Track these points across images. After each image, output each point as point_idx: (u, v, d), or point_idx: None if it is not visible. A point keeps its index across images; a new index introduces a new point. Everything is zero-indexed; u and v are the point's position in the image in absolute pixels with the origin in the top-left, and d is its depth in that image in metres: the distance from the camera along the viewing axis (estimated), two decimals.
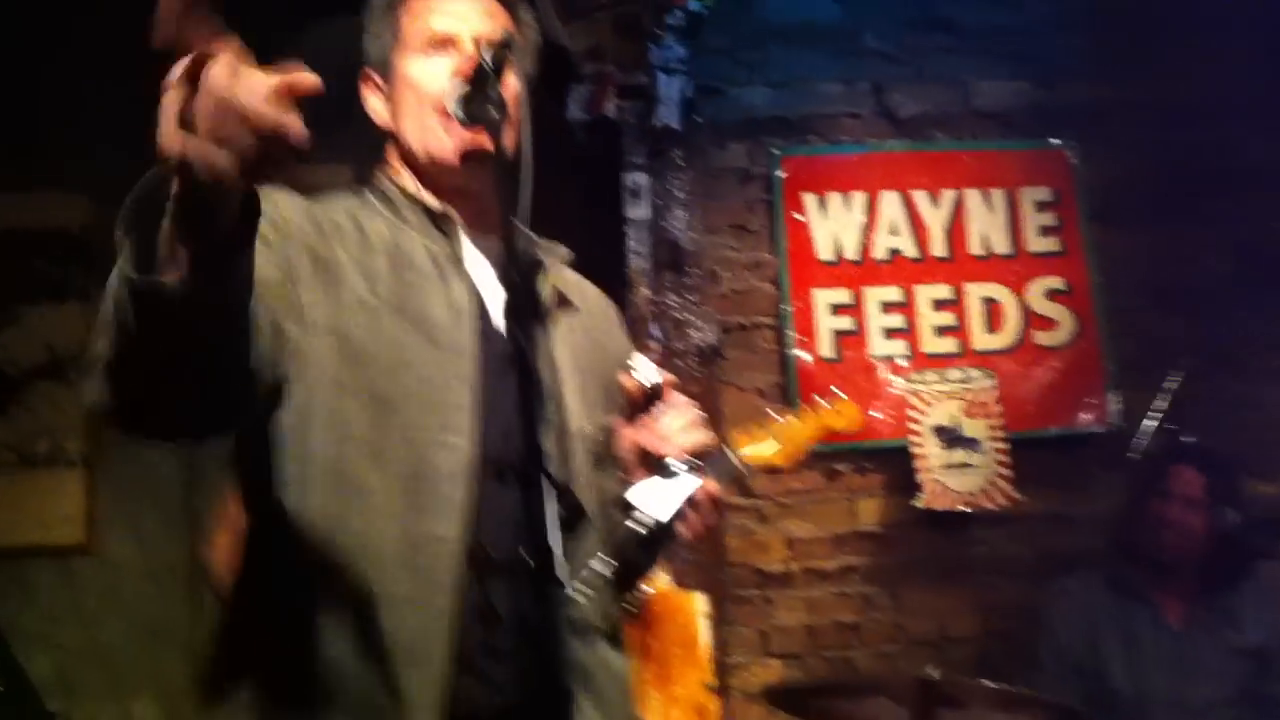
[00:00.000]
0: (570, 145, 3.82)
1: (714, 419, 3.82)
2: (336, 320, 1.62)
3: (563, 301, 1.84)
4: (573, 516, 1.65)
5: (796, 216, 4.24)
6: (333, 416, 1.60)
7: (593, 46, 3.89)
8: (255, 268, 1.34)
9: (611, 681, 1.71)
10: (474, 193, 1.77)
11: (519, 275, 1.68)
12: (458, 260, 1.74)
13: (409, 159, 1.81)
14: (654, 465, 1.70)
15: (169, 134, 1.15)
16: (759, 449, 2.93)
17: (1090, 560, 3.85)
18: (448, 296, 1.70)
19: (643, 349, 3.73)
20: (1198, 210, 4.52)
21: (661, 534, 1.65)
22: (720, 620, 3.70)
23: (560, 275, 1.87)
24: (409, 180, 1.82)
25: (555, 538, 1.46)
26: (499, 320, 1.72)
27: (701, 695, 3.56)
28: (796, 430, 3.03)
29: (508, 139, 1.65)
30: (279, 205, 1.63)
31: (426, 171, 1.79)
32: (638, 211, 3.84)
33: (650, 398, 1.71)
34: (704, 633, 3.59)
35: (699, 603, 3.59)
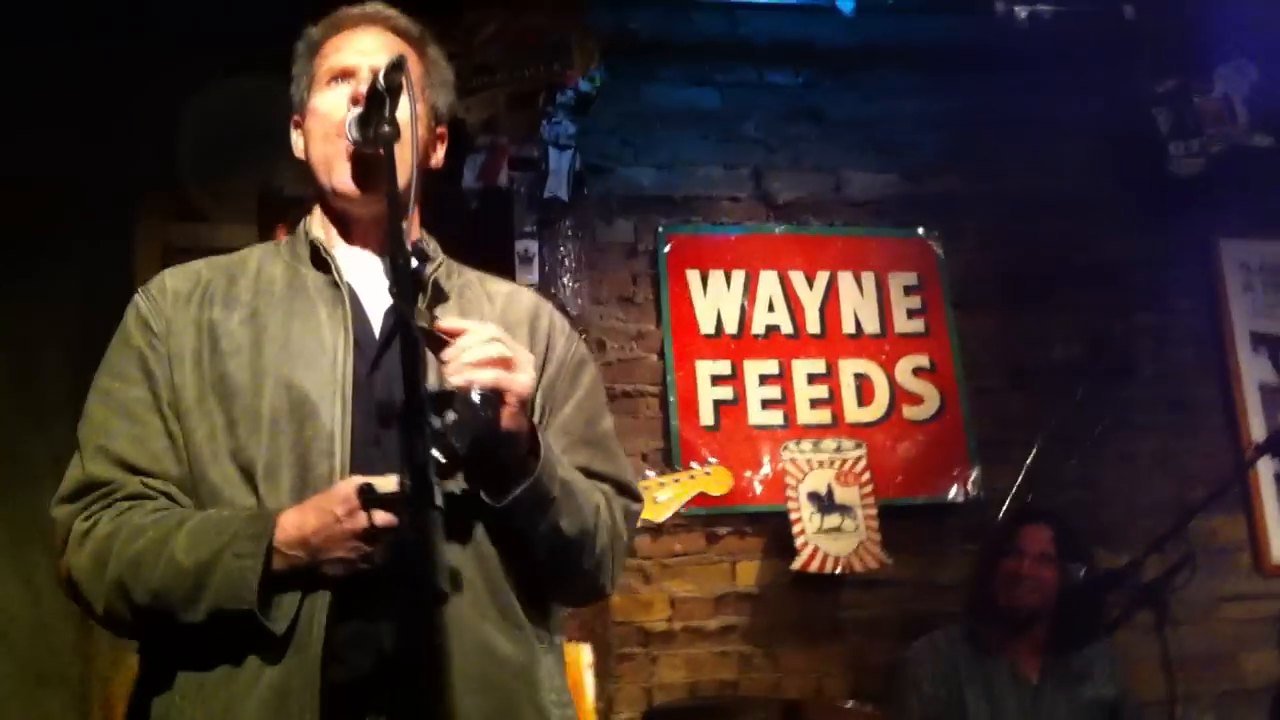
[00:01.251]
0: (465, 211, 3.97)
1: None
2: (217, 375, 1.82)
3: (438, 299, 1.93)
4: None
5: (679, 290, 4.43)
6: (226, 449, 1.78)
7: (488, 119, 4.06)
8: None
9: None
10: (374, 215, 1.92)
11: (399, 284, 1.78)
12: (335, 286, 1.89)
13: (319, 189, 1.96)
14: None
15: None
16: None
17: (952, 620, 4.03)
18: (325, 320, 1.85)
19: None
20: (1050, 299, 4.84)
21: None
22: (605, 676, 3.78)
23: (451, 276, 1.99)
24: (316, 217, 1.99)
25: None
26: (382, 330, 1.87)
27: None
28: (673, 490, 3.27)
29: (401, 159, 1.79)
30: (165, 301, 1.88)
31: (330, 198, 1.94)
32: (528, 277, 3.98)
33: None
34: (589, 685, 3.68)
35: (585, 655, 3.68)
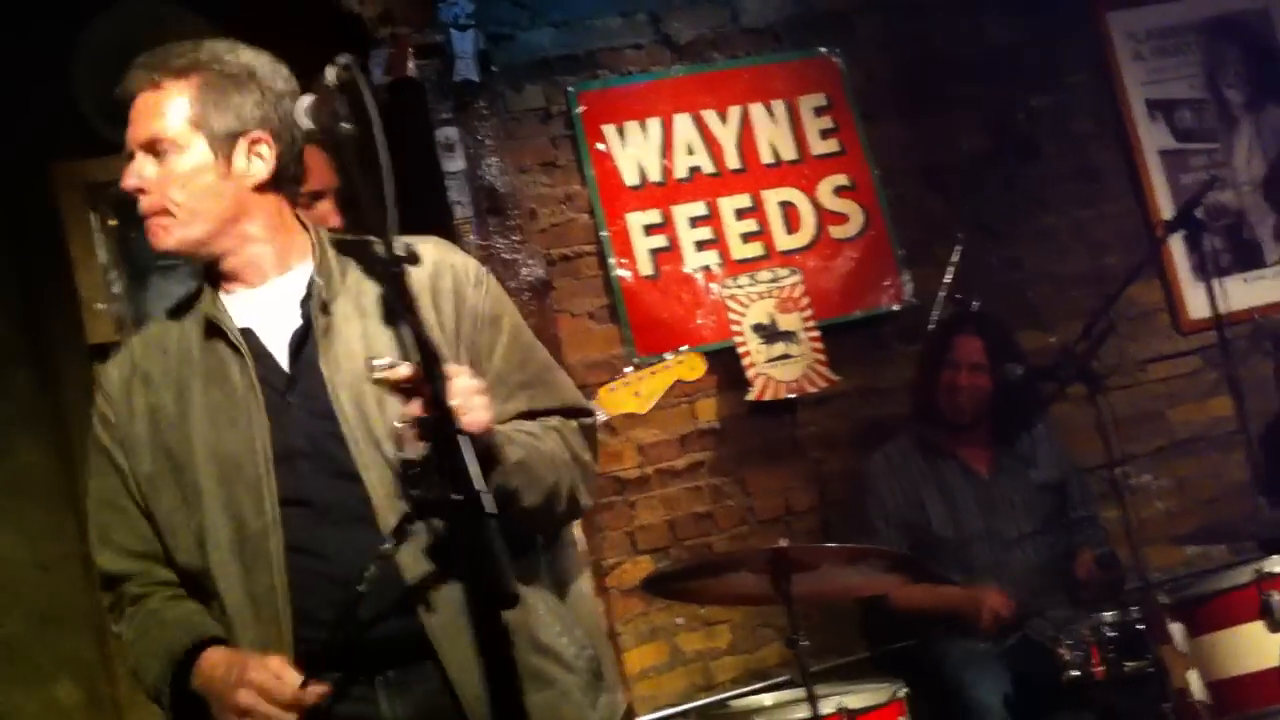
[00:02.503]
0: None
1: (552, 346, 4.10)
2: (163, 453, 1.95)
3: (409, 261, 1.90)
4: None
5: (599, 147, 4.50)
6: (181, 522, 1.94)
7: (383, 11, 4.04)
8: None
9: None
10: (231, 253, 1.97)
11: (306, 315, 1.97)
12: (234, 345, 1.94)
13: None
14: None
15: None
16: (621, 401, 3.38)
17: (903, 426, 4.27)
18: (240, 377, 1.93)
19: None
20: (952, 95, 4.96)
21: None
22: (590, 528, 3.99)
23: (335, 279, 1.99)
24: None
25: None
26: (290, 355, 1.95)
27: None
28: (650, 383, 3.47)
29: (202, 211, 1.95)
30: (113, 393, 2.01)
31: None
32: (454, 164, 4.03)
33: (415, 381, 1.72)
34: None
35: None
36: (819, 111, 4.74)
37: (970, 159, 4.93)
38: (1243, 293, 4.98)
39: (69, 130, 4.04)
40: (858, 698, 3.11)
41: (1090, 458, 4.16)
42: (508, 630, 1.67)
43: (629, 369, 3.59)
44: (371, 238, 1.86)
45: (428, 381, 1.64)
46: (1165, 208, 4.99)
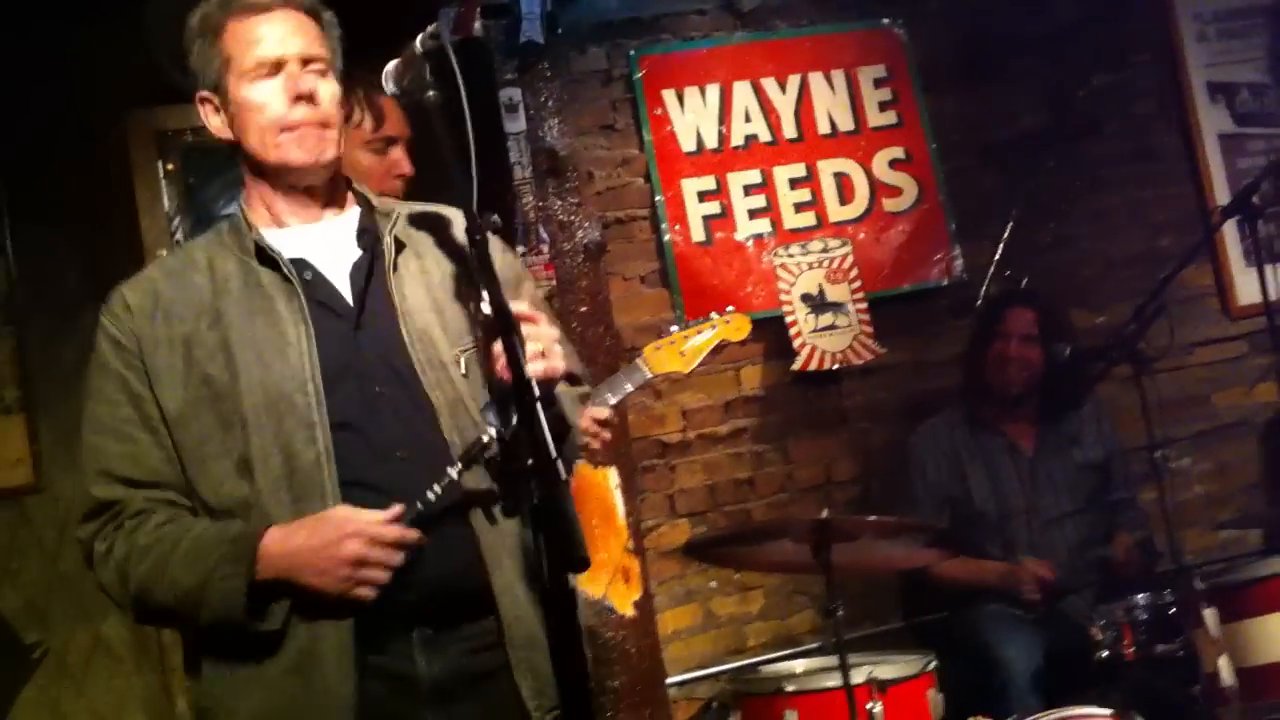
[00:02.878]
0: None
1: (603, 309, 4.17)
2: (200, 380, 1.95)
3: (400, 249, 2.08)
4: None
5: (658, 112, 4.53)
6: (220, 449, 1.94)
7: None
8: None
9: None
10: (323, 182, 2.07)
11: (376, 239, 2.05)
12: (287, 278, 2.00)
13: (259, 170, 2.07)
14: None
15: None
16: (666, 360, 3.39)
17: (949, 400, 4.32)
18: (285, 313, 1.98)
19: (534, 252, 4.04)
20: (1012, 70, 4.95)
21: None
22: (631, 490, 4.07)
23: (406, 228, 2.12)
24: (256, 197, 2.08)
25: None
26: (353, 291, 2.03)
27: (624, 558, 3.97)
28: (696, 343, 3.49)
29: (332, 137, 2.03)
30: (129, 319, 1.99)
31: (278, 172, 2.05)
32: (515, 125, 4.07)
33: (503, 327, 1.83)
34: (619, 503, 3.98)
35: (612, 477, 3.97)
36: (879, 83, 4.75)
37: (1028, 135, 4.91)
38: None
39: (141, 79, 4.12)
40: (888, 668, 3.15)
41: (1132, 439, 4.17)
42: (574, 593, 1.75)
43: (674, 327, 3.62)
44: (429, 206, 2.08)
45: (506, 347, 1.73)
46: (1221, 192, 4.97)
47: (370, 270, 2.04)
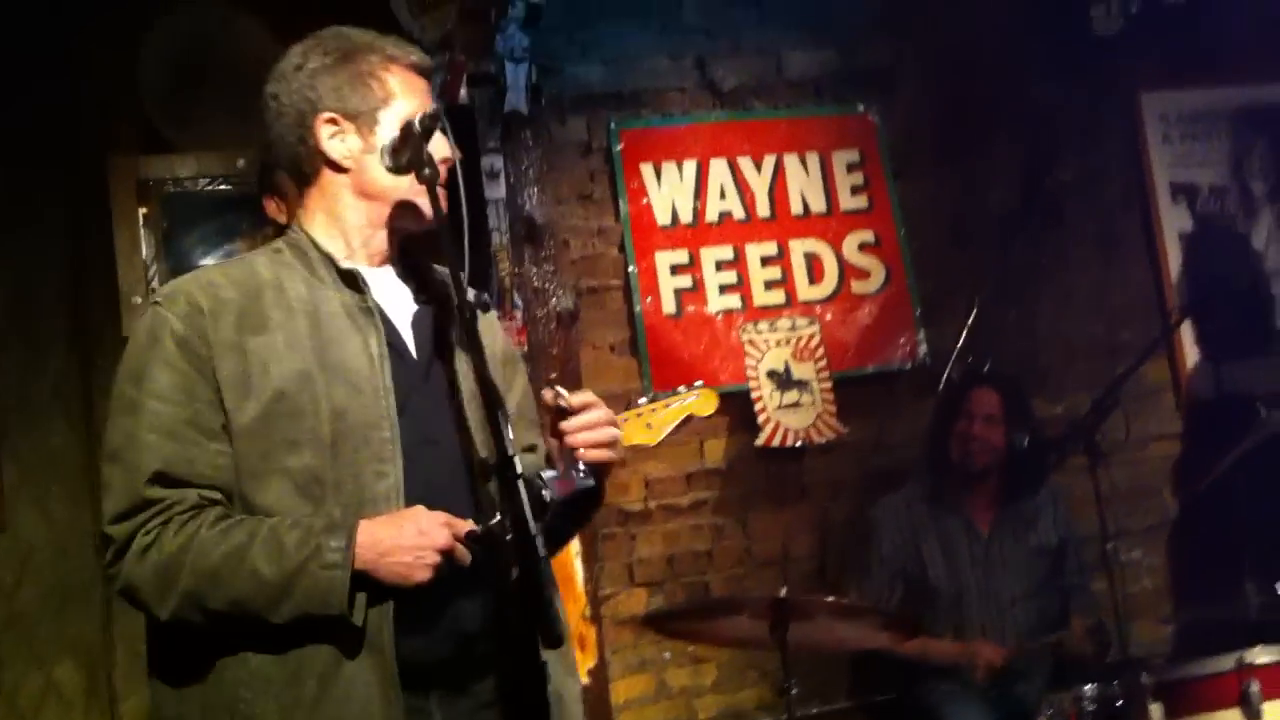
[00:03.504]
0: None
1: (574, 375, 4.21)
2: (275, 395, 1.94)
3: (482, 308, 2.11)
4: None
5: (635, 185, 4.62)
6: (285, 465, 1.93)
7: (442, 37, 4.15)
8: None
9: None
10: (410, 236, 2.11)
11: (437, 299, 2.08)
12: (369, 310, 2.04)
13: (364, 195, 2.08)
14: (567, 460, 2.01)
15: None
16: (633, 432, 3.46)
17: (906, 479, 4.38)
18: (365, 344, 2.01)
19: (508, 317, 4.09)
20: (983, 155, 5.07)
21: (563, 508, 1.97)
22: (590, 557, 4.10)
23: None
24: (321, 228, 2.11)
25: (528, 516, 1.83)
26: (416, 341, 2.07)
27: (580, 625, 3.99)
28: (663, 415, 3.56)
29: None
30: (202, 322, 1.96)
31: (388, 210, 2.08)
32: (495, 192, 4.14)
33: (562, 410, 1.99)
34: (578, 570, 4.01)
35: (573, 543, 3.99)
36: (851, 167, 4.86)
37: (996, 219, 5.02)
38: (1249, 377, 5.08)
39: (127, 128, 4.17)
40: None
41: (1085, 528, 4.26)
42: (544, 667, 1.79)
43: (642, 400, 3.68)
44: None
45: (490, 421, 1.79)
46: (1181, 290, 5.09)
47: (433, 325, 2.09)
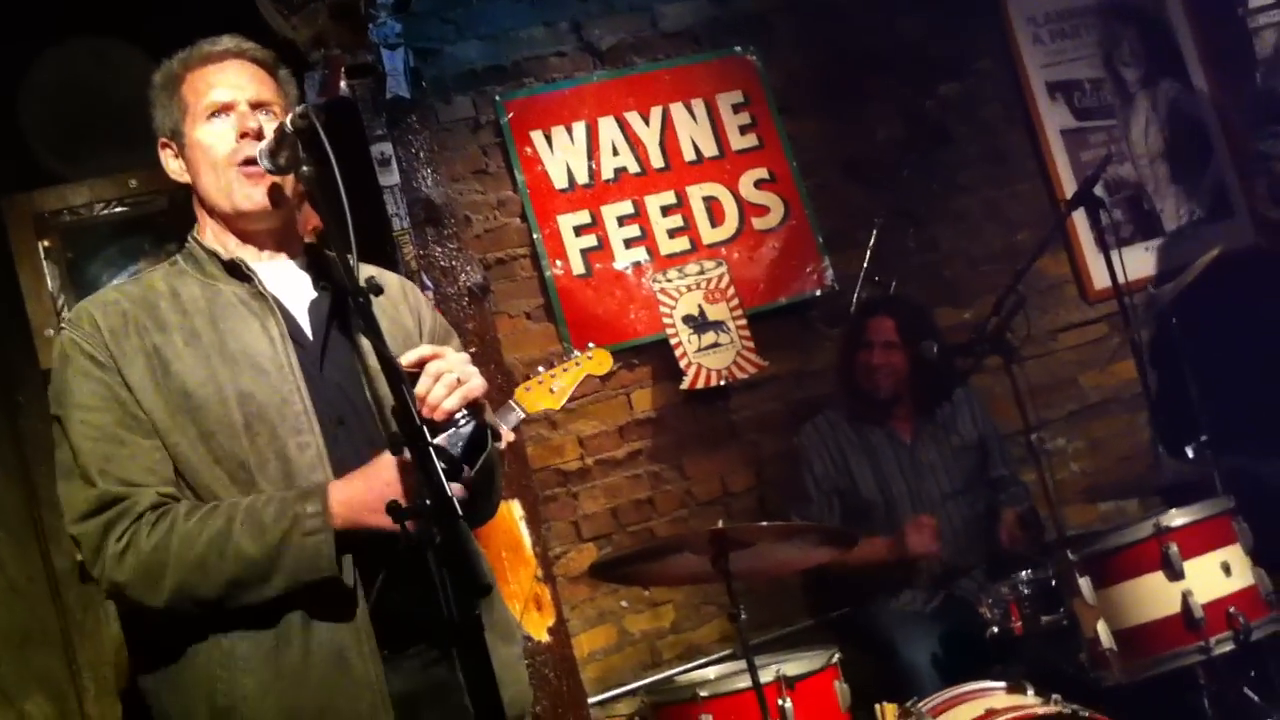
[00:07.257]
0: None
1: (492, 347, 4.28)
2: (180, 393, 2.05)
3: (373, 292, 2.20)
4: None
5: (528, 153, 4.68)
6: (211, 456, 2.04)
7: (315, 35, 4.17)
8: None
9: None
10: (274, 228, 2.20)
11: (336, 285, 2.16)
12: (261, 296, 2.14)
13: (211, 210, 2.21)
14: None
15: None
16: (537, 399, 3.66)
17: (831, 403, 4.51)
18: (263, 328, 2.12)
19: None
20: (865, 88, 5.19)
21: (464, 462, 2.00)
22: (536, 520, 4.17)
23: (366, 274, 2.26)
24: (210, 233, 2.22)
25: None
26: (312, 325, 2.17)
27: (535, 587, 4.08)
28: (563, 379, 3.76)
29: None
30: (100, 335, 2.08)
31: (229, 217, 2.19)
32: (389, 178, 4.17)
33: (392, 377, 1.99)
34: (525, 534, 4.09)
35: (516, 509, 4.08)
36: (737, 108, 4.95)
37: (886, 147, 5.15)
38: (1144, 261, 5.26)
39: (12, 163, 4.17)
40: (795, 665, 3.27)
41: (1008, 425, 4.43)
42: (480, 617, 1.87)
43: (541, 368, 3.83)
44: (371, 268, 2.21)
45: (396, 395, 1.85)
46: (1068, 184, 5.25)
47: (330, 310, 2.17)
